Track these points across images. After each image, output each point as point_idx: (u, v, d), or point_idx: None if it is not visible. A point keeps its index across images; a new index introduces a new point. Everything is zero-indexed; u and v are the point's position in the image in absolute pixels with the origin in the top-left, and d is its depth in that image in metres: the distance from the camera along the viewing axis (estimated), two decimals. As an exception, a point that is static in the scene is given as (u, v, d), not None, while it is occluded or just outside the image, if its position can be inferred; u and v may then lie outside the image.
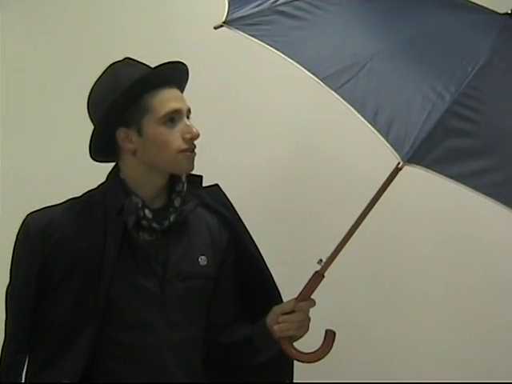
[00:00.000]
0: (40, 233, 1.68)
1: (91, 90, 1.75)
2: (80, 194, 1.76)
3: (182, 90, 1.76)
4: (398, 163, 1.44)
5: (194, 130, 1.70)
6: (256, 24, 1.64)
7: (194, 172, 1.76)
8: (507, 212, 1.46)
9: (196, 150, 1.72)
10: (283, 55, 1.57)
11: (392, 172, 1.62)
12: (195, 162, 1.73)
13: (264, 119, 2.43)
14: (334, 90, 1.50)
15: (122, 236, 1.67)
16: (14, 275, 1.70)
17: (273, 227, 2.34)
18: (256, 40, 1.61)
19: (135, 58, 1.76)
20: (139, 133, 1.69)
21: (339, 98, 1.49)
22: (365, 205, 1.67)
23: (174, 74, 1.73)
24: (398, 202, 2.19)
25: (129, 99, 1.67)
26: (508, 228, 2.19)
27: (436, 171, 1.43)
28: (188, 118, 1.73)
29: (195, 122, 1.72)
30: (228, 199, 1.87)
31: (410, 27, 1.66)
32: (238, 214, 1.87)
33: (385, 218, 2.10)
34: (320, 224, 2.35)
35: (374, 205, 1.68)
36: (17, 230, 1.71)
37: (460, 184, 1.42)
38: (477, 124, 1.50)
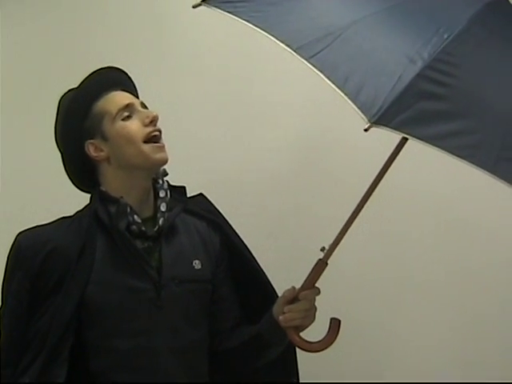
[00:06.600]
0: (31, 247, 1.69)
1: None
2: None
3: (133, 94, 1.82)
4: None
5: (153, 113, 1.75)
6: (234, 1, 1.64)
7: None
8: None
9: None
10: (259, 29, 1.57)
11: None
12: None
13: (266, 116, 2.41)
14: (307, 60, 1.49)
15: (112, 241, 1.68)
16: (6, 291, 1.70)
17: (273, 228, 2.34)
18: (233, 16, 1.61)
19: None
20: (104, 138, 1.74)
21: (311, 67, 1.49)
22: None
23: (113, 79, 1.81)
24: (399, 189, 2.16)
25: (80, 110, 1.74)
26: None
27: (405, 133, 1.41)
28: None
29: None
30: (214, 206, 1.88)
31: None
32: (225, 219, 1.87)
33: (384, 206, 2.07)
34: (319, 222, 2.30)
35: (375, 186, 1.67)
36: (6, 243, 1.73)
37: (432, 146, 1.39)
38: (450, 88, 1.46)
